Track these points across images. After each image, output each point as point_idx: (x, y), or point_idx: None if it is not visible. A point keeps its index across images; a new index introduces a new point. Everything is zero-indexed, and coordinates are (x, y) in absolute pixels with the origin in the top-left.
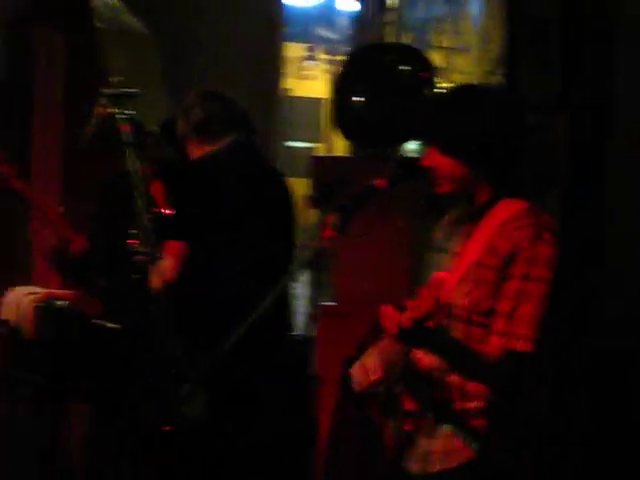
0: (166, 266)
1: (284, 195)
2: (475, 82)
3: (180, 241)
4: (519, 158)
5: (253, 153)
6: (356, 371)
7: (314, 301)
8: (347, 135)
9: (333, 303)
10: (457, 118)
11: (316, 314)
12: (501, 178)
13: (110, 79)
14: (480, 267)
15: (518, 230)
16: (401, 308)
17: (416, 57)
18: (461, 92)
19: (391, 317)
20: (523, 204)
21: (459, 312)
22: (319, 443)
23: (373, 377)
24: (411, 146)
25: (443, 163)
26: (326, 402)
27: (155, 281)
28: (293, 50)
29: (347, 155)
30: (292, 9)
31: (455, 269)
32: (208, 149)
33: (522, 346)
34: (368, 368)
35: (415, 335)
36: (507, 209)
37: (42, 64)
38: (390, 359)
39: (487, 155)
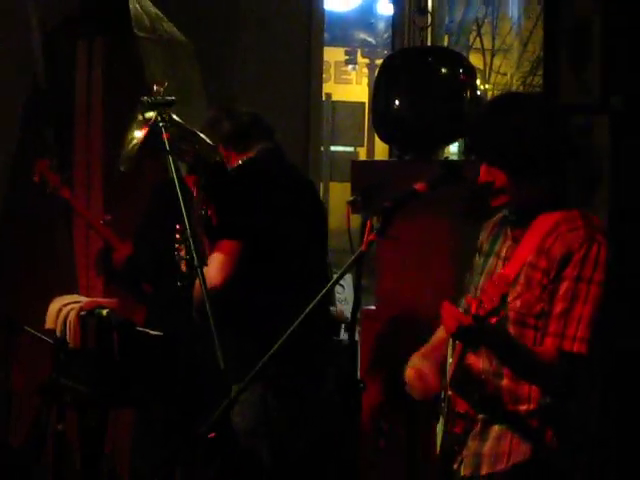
0: (219, 262)
1: (316, 200)
2: (515, 83)
3: (235, 240)
4: (566, 163)
5: (283, 160)
6: (413, 379)
7: (357, 305)
8: (388, 139)
9: (374, 307)
10: (502, 133)
11: (359, 318)
12: (554, 184)
13: (153, 87)
14: (531, 269)
15: (571, 233)
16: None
17: (456, 59)
18: (504, 104)
19: (452, 314)
20: (571, 210)
21: (511, 314)
22: (362, 447)
23: (434, 388)
24: (452, 149)
25: (501, 177)
26: (369, 406)
27: (199, 287)
28: (333, 54)
29: (387, 159)
30: (332, 14)
31: (506, 271)
32: (240, 158)
33: (577, 347)
34: (426, 376)
35: (475, 333)
36: (557, 213)
37: (83, 71)
38: (443, 363)
39: (535, 165)
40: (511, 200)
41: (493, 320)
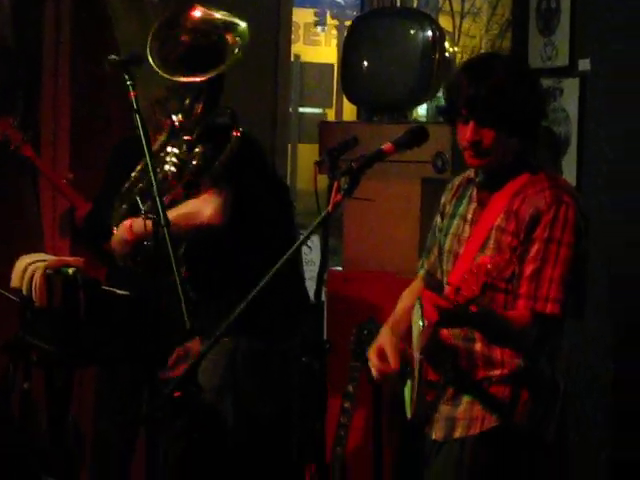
0: (219, 204)
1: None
2: (484, 46)
3: (228, 189)
4: (539, 124)
5: None
6: (374, 358)
7: (324, 266)
8: (356, 101)
9: (341, 268)
10: (499, 89)
11: (325, 279)
12: (527, 144)
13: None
14: (501, 233)
15: (538, 194)
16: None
17: (425, 21)
18: (488, 62)
19: (432, 303)
20: (540, 169)
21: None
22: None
23: (390, 368)
24: (420, 111)
25: (489, 136)
26: (335, 367)
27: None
28: (301, 16)
29: (356, 120)
30: None
31: (474, 235)
32: None
33: (550, 308)
34: (386, 356)
35: (456, 319)
36: (524, 175)
37: (51, 30)
38: (409, 333)
39: (523, 123)
40: (495, 160)
41: (473, 308)
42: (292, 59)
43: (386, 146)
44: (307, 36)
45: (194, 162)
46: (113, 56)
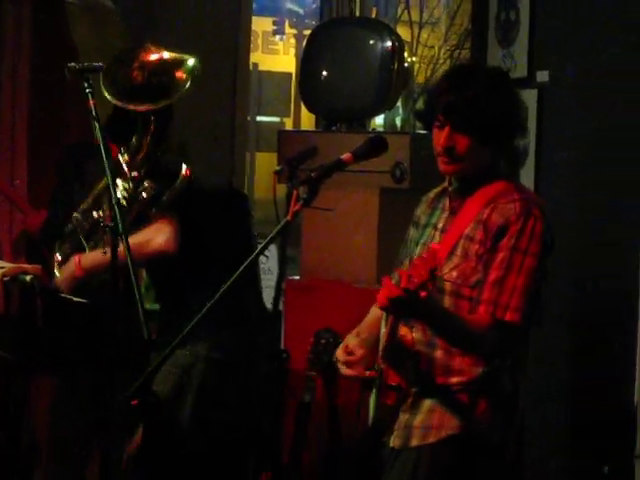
0: (170, 232)
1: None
2: (442, 56)
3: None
4: (518, 135)
5: None
6: (341, 356)
7: (281, 275)
8: (315, 110)
9: (298, 277)
10: (478, 96)
11: (283, 288)
12: (501, 154)
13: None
14: (468, 241)
15: (508, 205)
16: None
17: (384, 31)
18: (469, 70)
19: (384, 287)
20: (510, 181)
21: (447, 285)
22: (287, 419)
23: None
24: (378, 121)
25: (463, 142)
26: (292, 376)
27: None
28: (261, 24)
29: (314, 129)
30: None
31: (443, 243)
32: None
33: (509, 316)
34: (353, 354)
35: (404, 305)
36: (495, 186)
37: (11, 35)
38: (372, 338)
39: (500, 132)
40: (467, 168)
41: (423, 294)
42: (250, 68)
43: (345, 156)
44: (265, 45)
45: (143, 195)
46: (73, 64)
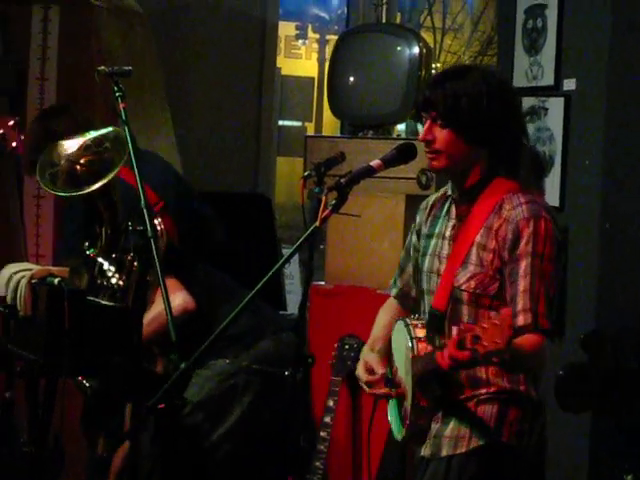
0: (177, 297)
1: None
2: (465, 63)
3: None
4: (517, 140)
5: None
6: (361, 373)
7: (308, 281)
8: (341, 115)
9: (323, 283)
10: (460, 91)
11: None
12: (498, 158)
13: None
14: (481, 249)
15: (514, 209)
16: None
17: (412, 37)
18: (465, 69)
19: (449, 353)
20: (513, 184)
21: (465, 295)
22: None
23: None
24: (399, 127)
25: (442, 136)
26: (318, 381)
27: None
28: (284, 29)
29: (340, 135)
30: None
31: (455, 252)
32: None
33: (543, 324)
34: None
35: (470, 366)
36: (498, 190)
37: (37, 39)
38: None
39: (486, 132)
40: (450, 164)
41: (496, 360)
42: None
43: (375, 163)
44: (288, 49)
45: (134, 268)
46: (102, 67)
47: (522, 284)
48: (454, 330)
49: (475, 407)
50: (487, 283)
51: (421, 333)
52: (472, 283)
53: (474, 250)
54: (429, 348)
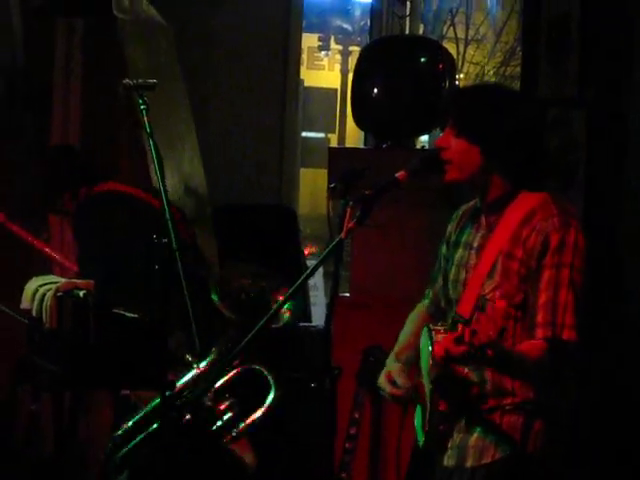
0: None
1: None
2: (488, 73)
3: None
4: (538, 154)
5: None
6: (384, 383)
7: (335, 292)
8: (365, 127)
9: (348, 294)
10: (476, 99)
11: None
12: (518, 172)
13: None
14: (508, 259)
15: (545, 221)
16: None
17: (436, 49)
18: (486, 85)
19: (446, 346)
20: (544, 195)
21: (490, 304)
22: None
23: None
24: (422, 138)
25: (456, 145)
26: (343, 392)
27: None
28: (306, 40)
29: (365, 146)
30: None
31: (481, 262)
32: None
33: (567, 335)
34: (395, 380)
35: (470, 362)
36: (528, 201)
37: (62, 52)
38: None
39: (502, 148)
40: (460, 177)
41: (490, 352)
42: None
43: (400, 174)
44: (311, 61)
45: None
46: (127, 80)
47: (543, 297)
48: (459, 326)
49: (500, 418)
50: (512, 294)
51: None
52: (497, 293)
53: (500, 260)
54: None
